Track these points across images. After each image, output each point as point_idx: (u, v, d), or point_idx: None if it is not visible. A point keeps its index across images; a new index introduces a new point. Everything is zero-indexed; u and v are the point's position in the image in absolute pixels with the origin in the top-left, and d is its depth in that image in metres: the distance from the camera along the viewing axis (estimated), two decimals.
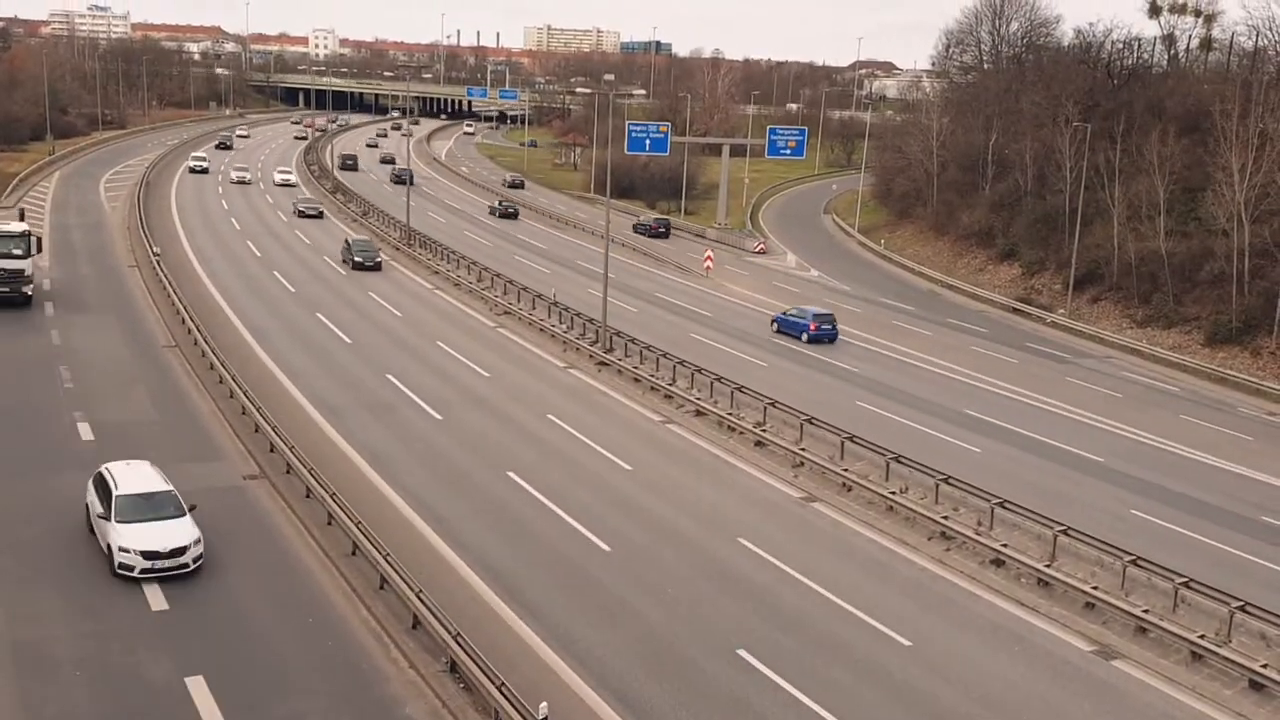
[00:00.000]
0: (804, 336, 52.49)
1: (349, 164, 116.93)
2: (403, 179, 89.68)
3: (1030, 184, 75.34)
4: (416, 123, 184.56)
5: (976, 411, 42.67)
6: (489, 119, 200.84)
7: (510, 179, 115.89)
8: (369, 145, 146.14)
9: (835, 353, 50.80)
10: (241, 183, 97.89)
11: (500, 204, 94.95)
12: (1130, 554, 26.87)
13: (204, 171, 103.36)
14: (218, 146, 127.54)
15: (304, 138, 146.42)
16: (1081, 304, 64.23)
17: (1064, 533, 28.15)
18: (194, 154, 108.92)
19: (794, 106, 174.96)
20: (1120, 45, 78.96)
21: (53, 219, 72.11)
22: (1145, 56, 78.59)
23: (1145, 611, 24.96)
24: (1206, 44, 77.90)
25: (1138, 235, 61.95)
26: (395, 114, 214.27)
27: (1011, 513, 29.67)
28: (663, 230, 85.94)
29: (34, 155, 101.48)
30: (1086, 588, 26.05)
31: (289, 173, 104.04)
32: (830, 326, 52.94)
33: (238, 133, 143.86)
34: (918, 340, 55.48)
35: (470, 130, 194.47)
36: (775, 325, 54.43)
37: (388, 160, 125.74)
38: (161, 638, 21.72)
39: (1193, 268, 59.11)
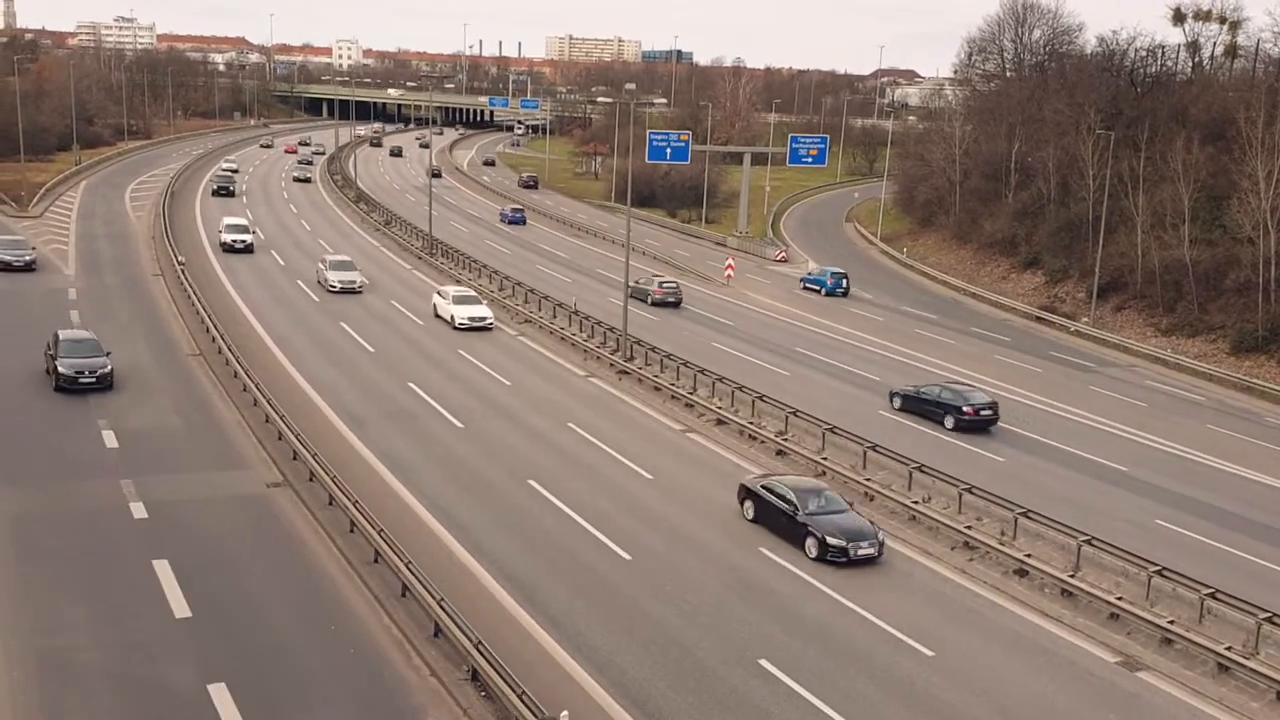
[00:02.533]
0: (506, 221, 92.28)
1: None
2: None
3: (1053, 192, 74.97)
4: (456, 131, 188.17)
5: (999, 420, 42.39)
6: (528, 128, 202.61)
7: (485, 159, 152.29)
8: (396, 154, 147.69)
9: (524, 232, 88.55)
10: (349, 292, 57.57)
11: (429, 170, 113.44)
12: (1155, 564, 26.67)
13: (248, 249, 67.08)
14: (215, 193, 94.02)
15: (307, 179, 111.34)
16: (1105, 312, 63.82)
17: (1088, 543, 27.94)
18: (226, 220, 71.12)
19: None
20: (1144, 53, 78.48)
21: (79, 228, 72.90)
22: (1169, 64, 78.00)
23: (1171, 622, 24.74)
24: (1231, 51, 77.26)
25: (1162, 243, 61.54)
26: (380, 125, 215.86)
27: (1035, 522, 29.50)
28: (532, 184, 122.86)
29: (60, 165, 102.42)
30: (1111, 598, 25.86)
31: (479, 305, 52.94)
32: (520, 214, 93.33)
33: (223, 165, 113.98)
34: (941, 349, 55.26)
35: (520, 132, 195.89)
36: (500, 218, 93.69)
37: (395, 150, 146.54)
38: (184, 644, 21.83)
39: (1218, 276, 58.64)
